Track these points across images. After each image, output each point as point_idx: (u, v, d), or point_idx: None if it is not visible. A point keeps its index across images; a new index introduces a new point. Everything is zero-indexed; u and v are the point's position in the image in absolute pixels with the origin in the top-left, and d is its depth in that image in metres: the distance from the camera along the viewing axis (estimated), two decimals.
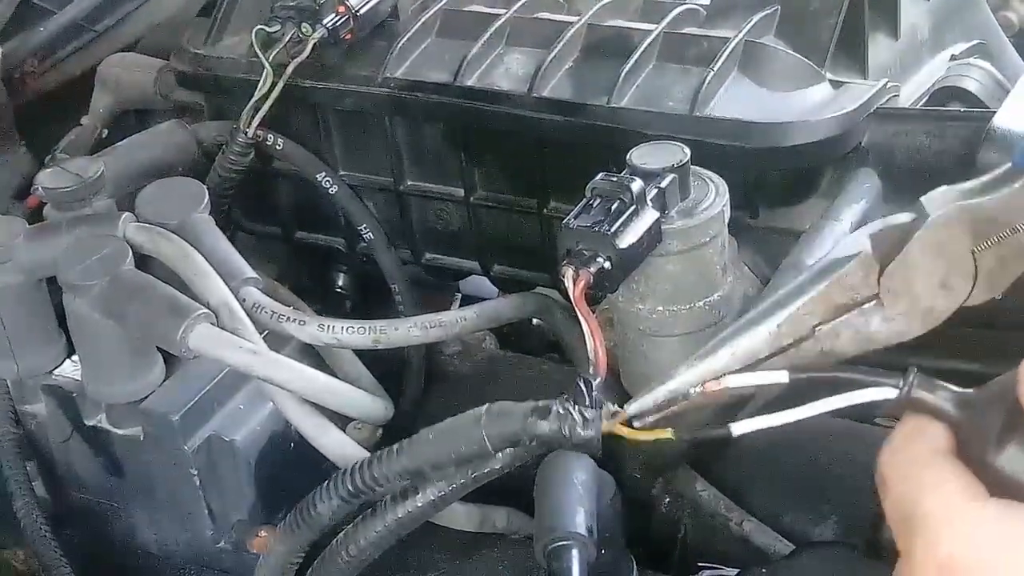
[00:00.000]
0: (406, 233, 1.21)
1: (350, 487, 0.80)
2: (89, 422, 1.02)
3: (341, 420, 0.99)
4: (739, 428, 0.53)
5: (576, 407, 0.69)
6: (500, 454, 0.75)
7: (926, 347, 0.57)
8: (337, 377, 1.01)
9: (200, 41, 1.24)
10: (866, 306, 0.57)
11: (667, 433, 0.56)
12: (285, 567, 0.89)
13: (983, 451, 0.49)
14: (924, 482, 0.48)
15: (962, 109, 1.10)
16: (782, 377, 0.51)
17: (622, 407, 0.62)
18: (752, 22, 1.06)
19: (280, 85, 1.13)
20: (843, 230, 0.97)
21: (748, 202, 1.04)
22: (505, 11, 1.15)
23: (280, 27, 1.12)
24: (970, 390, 0.51)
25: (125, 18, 1.50)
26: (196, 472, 0.98)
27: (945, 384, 0.50)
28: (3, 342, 1.02)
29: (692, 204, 0.89)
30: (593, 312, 0.81)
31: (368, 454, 0.93)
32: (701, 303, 0.91)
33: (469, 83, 1.10)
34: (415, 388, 1.16)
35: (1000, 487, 0.49)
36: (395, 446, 0.78)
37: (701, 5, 1.14)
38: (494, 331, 1.24)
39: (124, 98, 1.37)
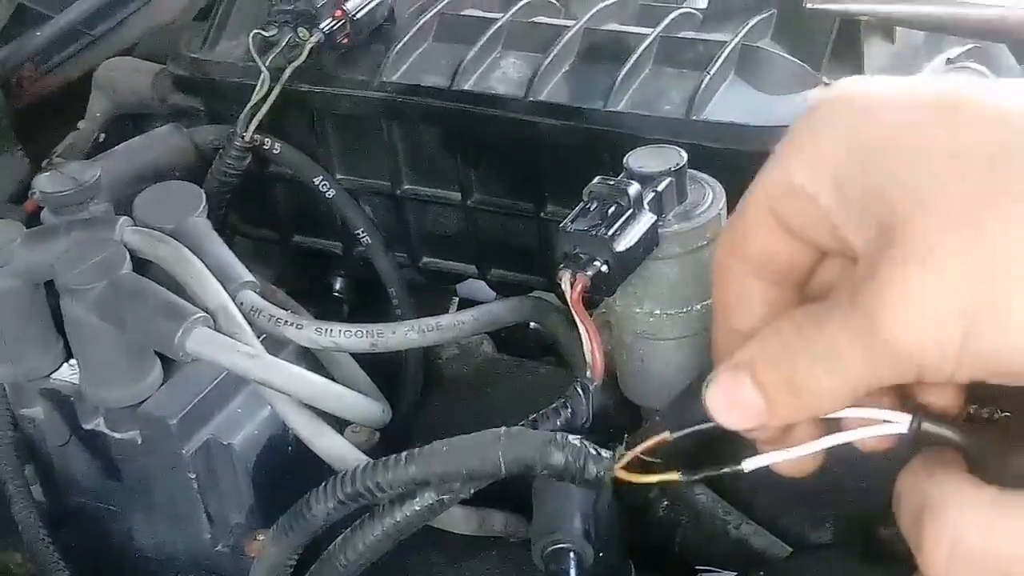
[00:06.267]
0: (403, 237, 1.21)
1: (349, 490, 0.79)
2: (87, 426, 1.02)
3: (339, 423, 0.99)
4: (751, 464, 0.54)
5: (592, 446, 0.69)
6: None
7: None
8: (335, 381, 1.01)
9: (197, 45, 1.24)
10: None
11: (674, 475, 0.57)
12: (279, 570, 0.89)
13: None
14: (933, 483, 0.49)
15: None
16: None
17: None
18: (748, 26, 1.07)
19: (277, 89, 1.13)
20: None
21: None
22: (502, 15, 1.15)
23: (277, 31, 1.13)
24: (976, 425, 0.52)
25: (122, 23, 1.51)
26: (194, 476, 0.98)
27: (951, 422, 0.51)
28: (0, 346, 1.02)
29: (689, 207, 0.90)
30: (590, 315, 0.81)
31: (366, 457, 0.93)
32: (698, 306, 0.91)
33: (466, 87, 1.10)
34: (412, 391, 1.16)
35: None
36: (404, 454, 0.78)
37: (697, 9, 1.14)
38: (491, 334, 1.24)
39: (121, 102, 1.37)
